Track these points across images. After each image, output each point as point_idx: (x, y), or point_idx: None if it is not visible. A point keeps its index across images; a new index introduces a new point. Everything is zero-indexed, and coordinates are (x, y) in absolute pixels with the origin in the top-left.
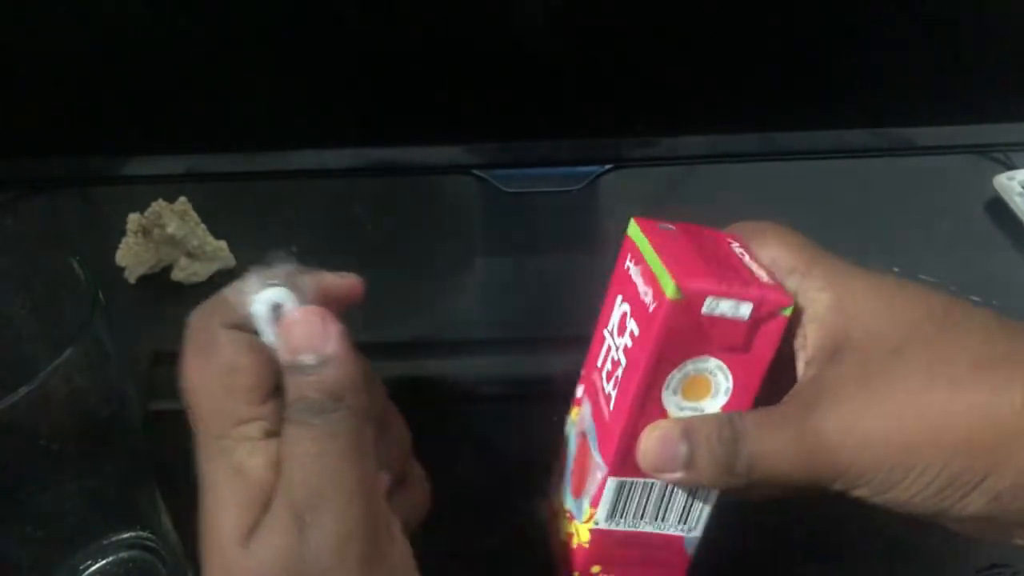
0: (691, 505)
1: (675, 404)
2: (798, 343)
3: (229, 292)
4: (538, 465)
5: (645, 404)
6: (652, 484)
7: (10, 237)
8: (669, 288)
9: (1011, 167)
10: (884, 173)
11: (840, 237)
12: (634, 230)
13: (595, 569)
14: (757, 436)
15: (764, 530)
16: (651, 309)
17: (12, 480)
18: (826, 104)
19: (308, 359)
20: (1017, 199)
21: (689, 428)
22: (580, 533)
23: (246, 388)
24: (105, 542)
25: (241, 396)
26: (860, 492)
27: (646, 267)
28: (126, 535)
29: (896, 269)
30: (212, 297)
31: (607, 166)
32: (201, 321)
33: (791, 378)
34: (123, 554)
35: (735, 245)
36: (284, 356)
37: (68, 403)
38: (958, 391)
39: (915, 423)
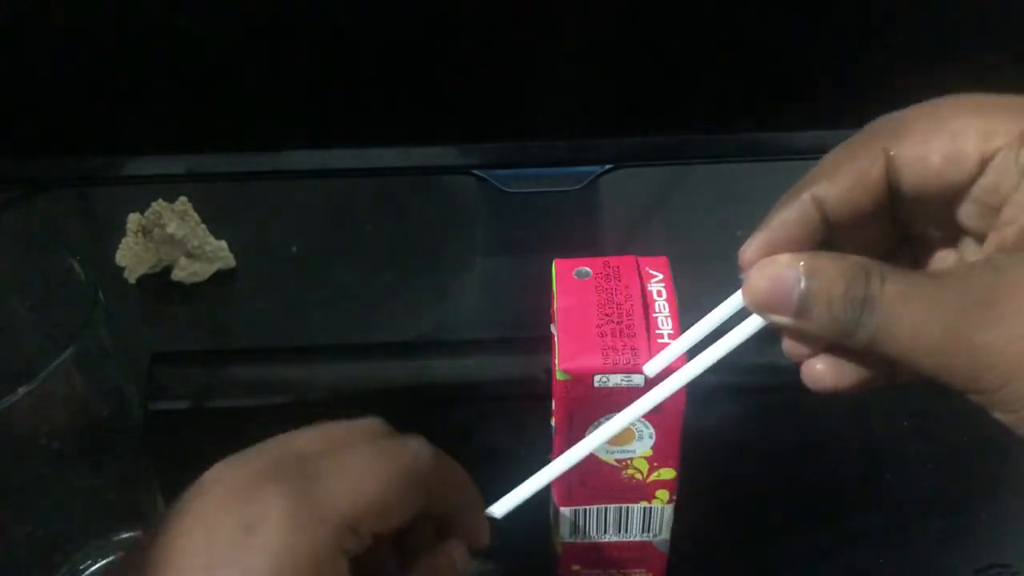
0: (651, 516)
1: (603, 450)
2: (976, 210)
3: None
4: (538, 466)
5: None
6: (606, 508)
7: (10, 237)
8: (557, 368)
9: None
10: None
11: None
12: (553, 274)
13: (575, 567)
14: (893, 312)
15: (762, 528)
16: (554, 375)
17: (12, 480)
18: (825, 103)
19: None
20: None
21: (812, 271)
22: (556, 541)
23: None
24: (105, 542)
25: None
26: (1000, 417)
27: (553, 327)
28: (126, 535)
29: None
30: None
31: (607, 166)
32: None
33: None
34: (123, 554)
35: (654, 283)
36: None
37: (68, 403)
38: None
39: None
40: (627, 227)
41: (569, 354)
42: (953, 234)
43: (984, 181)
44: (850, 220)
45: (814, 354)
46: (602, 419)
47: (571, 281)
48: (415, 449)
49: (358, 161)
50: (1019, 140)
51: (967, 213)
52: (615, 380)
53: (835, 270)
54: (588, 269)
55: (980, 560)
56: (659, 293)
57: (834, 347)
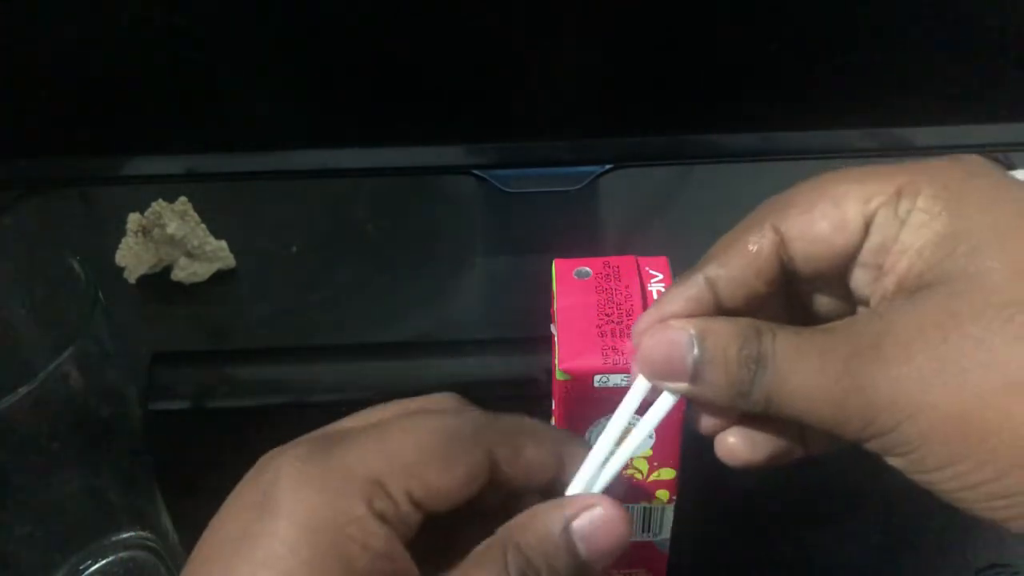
0: (651, 516)
1: None
2: (867, 275)
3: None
4: None
5: None
6: None
7: (10, 237)
8: (557, 368)
9: (1011, 167)
10: None
11: None
12: (553, 274)
13: None
14: (785, 367)
15: (762, 528)
16: (554, 375)
17: (12, 480)
18: (826, 104)
19: (602, 560)
20: None
21: (704, 333)
22: None
23: (456, 472)
24: (105, 542)
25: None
26: (894, 462)
27: (553, 327)
28: (126, 535)
29: None
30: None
31: (607, 166)
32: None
33: (835, 303)
34: (123, 554)
35: (654, 283)
36: (583, 548)
37: (68, 403)
38: None
39: (999, 404)
40: (627, 227)
41: (569, 354)
42: (850, 306)
43: (870, 243)
44: (744, 301)
45: (726, 427)
46: (602, 419)
47: (571, 281)
48: (465, 412)
49: (358, 161)
50: (896, 195)
51: (860, 280)
52: (615, 380)
53: (727, 330)
54: (588, 269)
55: (980, 560)
56: (659, 293)
57: (742, 419)
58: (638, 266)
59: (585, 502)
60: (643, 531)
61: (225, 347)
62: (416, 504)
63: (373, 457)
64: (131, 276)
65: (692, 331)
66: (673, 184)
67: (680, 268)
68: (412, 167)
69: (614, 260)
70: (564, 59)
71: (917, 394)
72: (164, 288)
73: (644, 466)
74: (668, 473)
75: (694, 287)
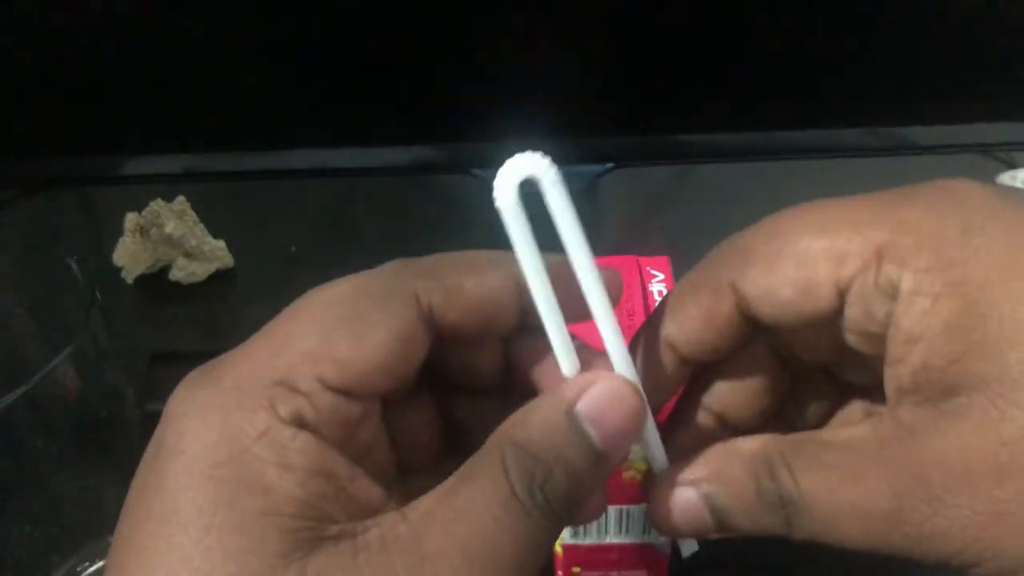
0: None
1: None
2: (858, 339)
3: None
4: None
5: None
6: (607, 509)
7: (9, 237)
8: None
9: (1013, 166)
10: (884, 173)
11: None
12: None
13: (575, 569)
14: (820, 510)
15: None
16: None
17: (10, 480)
18: (826, 103)
19: (619, 444)
20: None
21: (711, 480)
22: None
23: (372, 367)
24: (104, 543)
25: (354, 368)
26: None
27: None
28: None
29: None
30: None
31: (607, 166)
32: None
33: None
34: None
35: (655, 283)
36: (595, 433)
37: (67, 403)
38: None
39: None
40: (628, 227)
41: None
42: (842, 350)
43: (851, 313)
44: (711, 356)
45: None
46: None
47: None
48: (382, 267)
49: (358, 161)
50: (874, 260)
51: (848, 339)
52: None
53: (737, 474)
54: None
55: None
56: (660, 293)
57: None
58: (639, 266)
59: (583, 381)
60: (643, 532)
61: (224, 347)
62: (337, 390)
63: (268, 355)
64: (129, 276)
65: (702, 490)
66: (673, 184)
67: (680, 268)
68: (412, 167)
69: (614, 260)
70: (565, 59)
71: (987, 541)
72: (162, 288)
73: (645, 467)
74: None
75: (656, 351)
